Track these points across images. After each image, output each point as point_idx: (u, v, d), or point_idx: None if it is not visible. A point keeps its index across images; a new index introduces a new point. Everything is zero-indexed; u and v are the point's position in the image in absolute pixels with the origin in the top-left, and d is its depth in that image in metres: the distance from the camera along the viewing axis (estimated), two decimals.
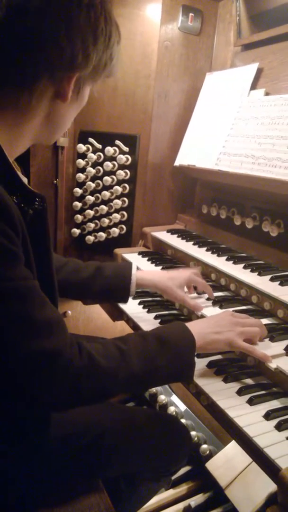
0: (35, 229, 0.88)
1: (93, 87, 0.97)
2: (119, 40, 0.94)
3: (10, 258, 0.75)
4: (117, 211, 2.05)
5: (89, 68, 0.87)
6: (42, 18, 0.78)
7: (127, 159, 1.98)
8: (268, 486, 1.44)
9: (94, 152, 2.04)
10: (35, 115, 0.87)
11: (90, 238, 2.12)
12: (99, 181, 2.04)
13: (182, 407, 1.98)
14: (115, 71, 0.99)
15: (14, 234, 0.76)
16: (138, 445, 1.19)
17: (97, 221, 2.10)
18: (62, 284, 1.36)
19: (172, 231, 1.93)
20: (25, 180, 0.93)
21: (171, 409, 1.94)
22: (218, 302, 1.38)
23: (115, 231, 2.06)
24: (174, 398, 2.05)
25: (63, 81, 0.85)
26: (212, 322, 1.11)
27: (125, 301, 1.46)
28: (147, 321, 1.46)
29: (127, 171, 2.00)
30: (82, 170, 2.07)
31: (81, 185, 2.10)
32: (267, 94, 1.66)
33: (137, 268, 1.45)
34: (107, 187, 2.03)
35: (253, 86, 1.73)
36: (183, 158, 1.93)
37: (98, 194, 2.06)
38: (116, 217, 2.04)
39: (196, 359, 1.05)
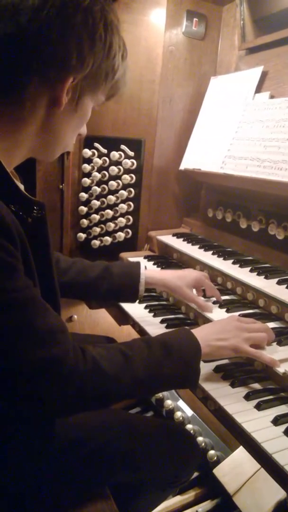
0: (34, 237, 0.88)
1: (96, 102, 0.96)
2: (124, 54, 0.92)
3: (9, 270, 0.75)
4: (122, 215, 2.05)
5: (84, 72, 0.85)
6: (36, 15, 0.77)
7: (133, 163, 1.98)
8: (277, 493, 1.42)
9: (99, 156, 2.05)
10: (30, 122, 0.86)
11: (96, 243, 2.12)
12: (104, 186, 2.04)
13: (189, 412, 1.97)
14: (121, 88, 0.98)
15: (12, 246, 0.76)
16: (145, 454, 1.18)
17: (102, 225, 2.10)
18: (70, 284, 1.37)
19: (177, 235, 1.93)
20: (21, 187, 0.93)
21: (178, 414, 1.92)
22: (225, 306, 1.38)
23: (121, 235, 2.05)
24: (181, 403, 2.03)
25: (56, 85, 0.83)
26: (217, 328, 1.10)
27: (133, 300, 1.45)
28: (153, 325, 1.45)
29: (132, 175, 2.00)
30: (88, 174, 2.08)
31: (86, 189, 2.10)
32: (272, 97, 1.66)
33: (145, 268, 1.45)
34: (113, 192, 2.04)
35: (258, 89, 1.72)
36: (188, 162, 1.93)
37: (103, 199, 2.06)
38: (122, 221, 2.03)
39: (203, 363, 1.04)
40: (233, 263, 1.53)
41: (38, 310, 0.80)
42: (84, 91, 0.89)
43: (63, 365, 0.81)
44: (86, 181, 2.07)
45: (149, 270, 1.45)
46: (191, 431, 1.81)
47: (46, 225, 0.93)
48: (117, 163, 2.00)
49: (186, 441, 1.32)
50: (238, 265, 1.51)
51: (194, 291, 1.45)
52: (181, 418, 1.91)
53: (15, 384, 0.79)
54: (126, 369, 0.90)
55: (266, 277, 1.39)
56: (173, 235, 1.95)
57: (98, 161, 2.04)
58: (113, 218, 2.07)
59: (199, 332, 1.06)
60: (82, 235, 2.15)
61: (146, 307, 1.57)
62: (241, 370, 1.18)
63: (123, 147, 1.99)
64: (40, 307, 0.81)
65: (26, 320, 0.77)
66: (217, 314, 1.35)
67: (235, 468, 1.57)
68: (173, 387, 1.09)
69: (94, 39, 0.83)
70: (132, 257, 1.90)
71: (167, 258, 1.90)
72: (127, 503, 1.22)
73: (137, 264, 1.44)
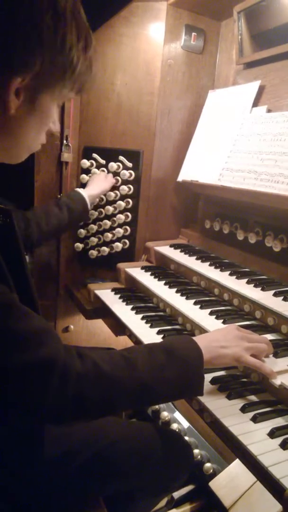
0: (3, 244, 0.88)
1: (61, 98, 0.89)
2: (85, 45, 0.83)
3: None
4: (120, 225, 2.06)
5: (32, 72, 0.77)
6: None
7: (131, 174, 2.00)
8: (273, 506, 1.41)
9: (98, 167, 2.06)
10: None
11: (93, 253, 2.12)
12: (102, 196, 2.05)
13: (185, 424, 1.96)
14: (88, 81, 0.89)
15: None
16: (138, 462, 1.17)
17: (100, 235, 2.11)
18: (45, 236, 1.74)
19: (175, 246, 1.94)
20: None
21: (174, 426, 1.91)
22: (222, 317, 1.38)
23: (118, 246, 2.06)
24: (177, 415, 2.02)
25: (1, 88, 0.77)
26: (218, 336, 1.09)
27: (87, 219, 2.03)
28: (150, 336, 1.45)
29: (130, 186, 2.01)
30: (86, 185, 2.09)
31: None
32: (269, 111, 1.68)
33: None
34: (111, 202, 2.05)
35: (255, 103, 1.75)
36: (186, 174, 1.95)
37: (101, 209, 2.07)
38: (119, 231, 2.04)
39: None
40: (230, 274, 1.54)
41: (17, 314, 0.78)
42: (39, 90, 0.82)
43: (54, 365, 0.79)
44: None
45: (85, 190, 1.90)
46: None
47: (14, 231, 0.92)
48: (115, 173, 2.02)
49: (178, 444, 1.32)
50: (235, 276, 1.52)
51: None
52: (177, 430, 1.89)
53: (7, 391, 0.77)
54: (129, 372, 0.88)
55: (263, 289, 1.39)
56: (171, 246, 1.96)
57: (96, 172, 2.05)
58: (111, 229, 2.08)
59: (200, 340, 1.05)
60: (79, 245, 2.15)
61: (143, 318, 1.57)
62: (238, 382, 1.17)
63: (121, 158, 2.01)
64: (20, 311, 0.79)
65: (6, 325, 0.75)
66: (214, 325, 1.35)
67: (231, 481, 1.56)
68: (178, 393, 1.05)
69: (40, 33, 0.75)
70: (129, 268, 1.90)
71: (164, 269, 1.91)
72: (120, 511, 1.20)
73: (77, 191, 1.88)
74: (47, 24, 0.75)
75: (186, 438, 1.83)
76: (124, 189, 2.00)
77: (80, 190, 1.89)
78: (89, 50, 0.85)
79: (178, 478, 1.31)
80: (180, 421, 1.98)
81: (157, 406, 2.03)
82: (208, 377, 1.16)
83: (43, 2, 0.75)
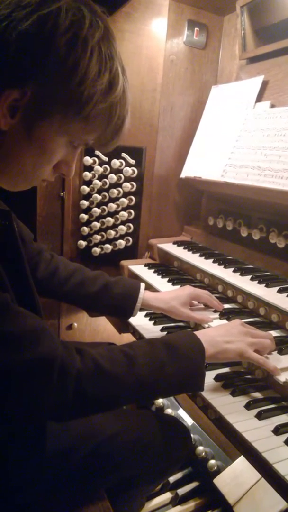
0: (2, 245, 0.87)
1: (71, 137, 0.83)
2: (109, 87, 0.78)
3: None
4: (123, 223, 2.05)
5: (30, 92, 0.74)
6: None
7: (133, 171, 1.99)
8: (278, 503, 1.41)
9: (100, 164, 2.06)
10: None
11: (97, 250, 2.12)
12: (105, 193, 2.05)
13: (190, 421, 1.96)
14: (113, 132, 0.85)
15: None
16: (139, 451, 1.17)
17: (103, 233, 2.10)
18: (69, 295, 1.40)
19: (178, 243, 1.93)
20: None
21: None
22: (225, 314, 1.37)
23: (121, 243, 2.06)
24: (181, 412, 2.02)
25: None
26: (222, 331, 1.09)
27: (126, 319, 1.48)
28: (153, 333, 1.45)
29: (133, 183, 2.01)
30: (89, 182, 2.09)
31: (87, 197, 2.11)
32: (272, 106, 1.67)
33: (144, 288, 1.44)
34: (113, 199, 2.04)
35: (259, 99, 1.73)
36: (189, 170, 1.94)
37: (104, 206, 2.06)
38: (122, 229, 2.04)
39: None
40: (234, 271, 1.53)
41: (7, 314, 0.77)
42: (37, 116, 0.77)
43: (52, 363, 0.78)
44: (87, 188, 2.08)
45: (146, 292, 1.42)
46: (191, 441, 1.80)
47: (13, 231, 0.90)
48: (118, 171, 2.01)
49: (175, 427, 1.33)
50: (238, 273, 1.51)
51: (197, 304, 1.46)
52: None
53: (6, 392, 0.77)
54: (129, 368, 0.88)
55: (267, 286, 1.39)
56: (174, 243, 1.95)
57: (99, 169, 2.05)
58: (114, 226, 2.07)
59: (203, 334, 1.04)
60: (82, 243, 2.15)
61: (146, 315, 1.56)
62: (242, 379, 1.17)
63: (124, 155, 2.00)
64: (10, 311, 0.78)
65: None
66: (218, 322, 1.34)
67: (235, 478, 1.56)
68: (178, 389, 1.05)
69: (46, 53, 0.71)
70: (132, 265, 1.90)
71: (167, 266, 1.90)
72: (117, 498, 1.21)
73: (137, 287, 1.41)
74: (56, 47, 0.72)
75: (190, 435, 1.84)
76: (127, 186, 1.99)
77: (142, 290, 1.41)
78: (112, 94, 0.79)
79: (177, 460, 1.32)
80: (184, 418, 1.98)
81: (161, 403, 2.04)
82: (212, 373, 1.16)
83: (65, 22, 0.71)
